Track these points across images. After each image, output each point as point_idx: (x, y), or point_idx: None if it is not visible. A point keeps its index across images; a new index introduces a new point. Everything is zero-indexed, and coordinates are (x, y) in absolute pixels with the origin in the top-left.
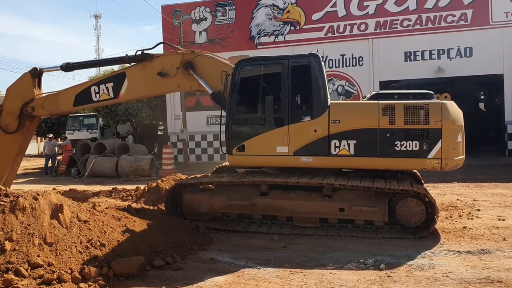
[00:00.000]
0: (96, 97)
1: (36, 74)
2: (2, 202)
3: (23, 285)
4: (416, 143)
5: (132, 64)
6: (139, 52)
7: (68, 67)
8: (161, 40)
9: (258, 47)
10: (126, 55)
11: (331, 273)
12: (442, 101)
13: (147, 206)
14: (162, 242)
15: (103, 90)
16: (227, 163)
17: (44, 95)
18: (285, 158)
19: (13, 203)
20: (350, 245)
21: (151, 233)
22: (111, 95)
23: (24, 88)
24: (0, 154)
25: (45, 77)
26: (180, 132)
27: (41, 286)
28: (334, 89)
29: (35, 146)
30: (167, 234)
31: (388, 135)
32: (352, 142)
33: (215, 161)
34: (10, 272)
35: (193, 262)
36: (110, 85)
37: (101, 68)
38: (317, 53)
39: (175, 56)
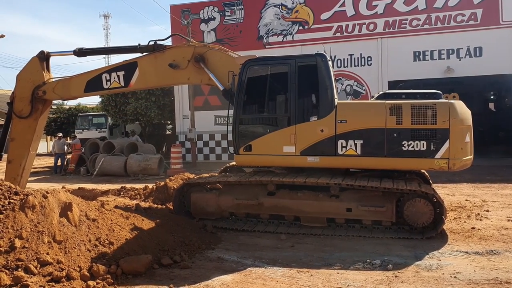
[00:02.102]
0: (107, 84)
1: (43, 58)
2: (12, 200)
3: (32, 282)
4: (423, 143)
5: (144, 54)
6: (151, 43)
7: (81, 52)
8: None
9: (266, 46)
10: (139, 44)
11: (338, 273)
12: (450, 100)
13: (155, 205)
14: (170, 241)
15: (114, 78)
16: (234, 163)
17: (55, 79)
18: (292, 158)
19: (23, 201)
20: (357, 245)
21: (159, 232)
22: (122, 83)
23: (33, 73)
24: (17, 140)
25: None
26: (188, 131)
27: (50, 283)
28: (342, 89)
29: (44, 145)
30: (174, 232)
31: (395, 135)
32: (359, 142)
33: (223, 161)
34: (20, 269)
35: (201, 260)
36: (121, 73)
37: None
38: (324, 53)
39: (187, 49)
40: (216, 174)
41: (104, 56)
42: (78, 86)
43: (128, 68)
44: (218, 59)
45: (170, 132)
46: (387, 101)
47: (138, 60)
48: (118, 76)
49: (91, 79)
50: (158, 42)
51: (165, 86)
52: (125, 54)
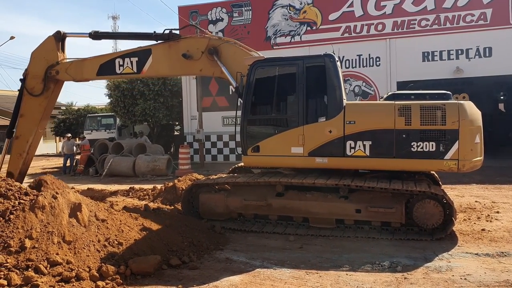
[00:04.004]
0: (119, 69)
1: (59, 38)
2: (22, 201)
3: (42, 282)
4: (432, 144)
5: (159, 42)
6: (167, 31)
7: (96, 35)
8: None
9: (274, 47)
10: (154, 32)
11: (347, 275)
12: (459, 101)
13: (164, 206)
14: (179, 242)
15: (127, 64)
16: (242, 164)
17: (69, 60)
18: (300, 159)
19: (33, 201)
20: (366, 246)
21: (167, 232)
22: (135, 69)
23: (48, 52)
24: (26, 117)
25: None
26: (196, 132)
27: (60, 283)
28: (351, 89)
29: (53, 146)
30: (183, 233)
31: (404, 136)
32: (367, 143)
33: (231, 161)
34: (30, 269)
35: (209, 261)
36: (134, 59)
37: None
38: (332, 54)
39: (201, 40)
40: (224, 175)
41: (112, 45)
42: (91, 69)
43: (142, 54)
44: (232, 53)
45: (178, 133)
46: (395, 102)
47: (152, 48)
48: (131, 62)
49: (104, 62)
50: (173, 32)
51: (177, 75)
52: (139, 40)
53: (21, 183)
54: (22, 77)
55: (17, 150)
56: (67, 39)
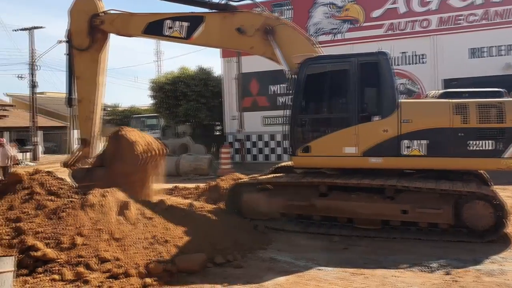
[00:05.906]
0: (167, 31)
1: None
2: (73, 199)
3: (93, 278)
4: (490, 143)
5: (213, 11)
6: (223, 1)
7: None
8: None
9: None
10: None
11: (393, 276)
12: None
13: (208, 204)
14: (223, 240)
15: (176, 27)
16: (284, 163)
17: (116, 12)
18: (353, 159)
19: (83, 200)
20: (413, 248)
21: (212, 231)
22: (184, 34)
23: (86, 3)
24: (83, 78)
25: None
26: (237, 132)
27: (109, 279)
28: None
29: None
30: (227, 232)
31: (461, 134)
32: (423, 142)
33: (271, 161)
34: (81, 265)
35: (253, 260)
36: (185, 24)
37: None
38: (386, 51)
39: (258, 17)
40: (265, 176)
41: None
42: (138, 25)
43: (194, 20)
44: (288, 36)
45: (219, 133)
46: (451, 100)
47: (206, 16)
48: (181, 26)
49: (153, 21)
50: (230, 3)
51: (226, 48)
52: (191, 6)
53: (98, 147)
54: (66, 39)
55: (83, 114)
56: None
